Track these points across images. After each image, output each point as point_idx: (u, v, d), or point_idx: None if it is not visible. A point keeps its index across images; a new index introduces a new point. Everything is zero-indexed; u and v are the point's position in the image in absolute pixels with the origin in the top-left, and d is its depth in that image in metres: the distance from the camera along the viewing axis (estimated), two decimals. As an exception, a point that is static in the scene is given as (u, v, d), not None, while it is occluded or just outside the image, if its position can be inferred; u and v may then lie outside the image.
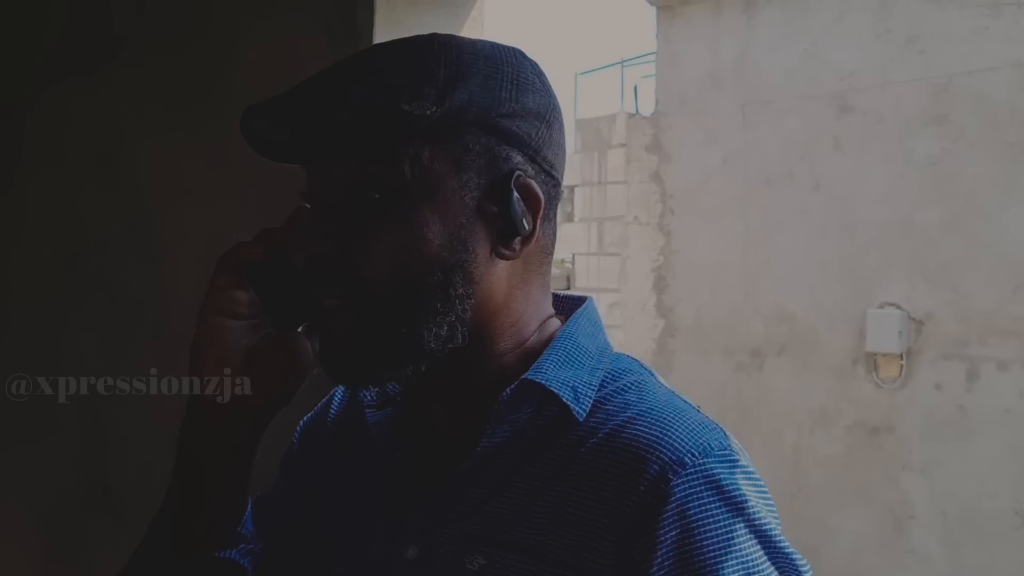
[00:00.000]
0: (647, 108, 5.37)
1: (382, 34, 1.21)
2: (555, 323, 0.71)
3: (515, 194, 0.64)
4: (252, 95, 1.39)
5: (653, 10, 5.21)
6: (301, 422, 0.84)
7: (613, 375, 0.67)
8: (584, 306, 0.72)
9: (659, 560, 0.58)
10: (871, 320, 4.15)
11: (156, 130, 1.57)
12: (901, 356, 4.10)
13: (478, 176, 0.63)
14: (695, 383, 4.77)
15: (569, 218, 6.38)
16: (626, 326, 5.32)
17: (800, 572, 0.61)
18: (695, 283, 4.94)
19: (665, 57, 5.19)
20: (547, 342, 0.69)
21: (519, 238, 0.65)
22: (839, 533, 4.14)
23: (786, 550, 0.61)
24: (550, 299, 0.72)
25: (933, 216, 3.96)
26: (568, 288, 6.40)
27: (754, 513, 0.60)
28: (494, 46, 0.67)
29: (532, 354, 0.68)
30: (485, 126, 0.63)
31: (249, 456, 0.73)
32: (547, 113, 0.67)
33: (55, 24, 1.86)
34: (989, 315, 3.84)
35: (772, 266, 4.55)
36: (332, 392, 0.83)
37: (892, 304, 4.12)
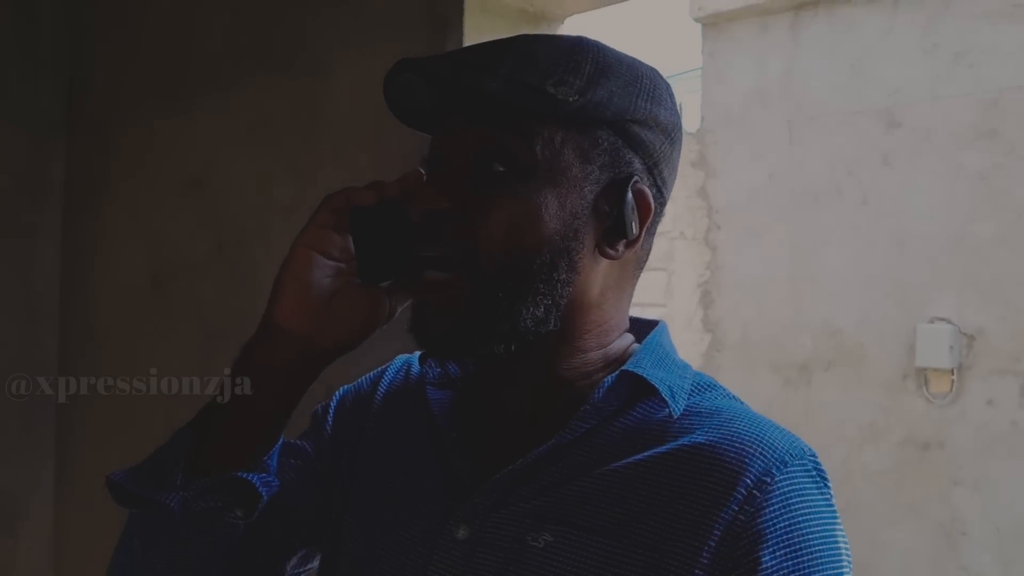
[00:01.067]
0: (692, 124, 5.41)
1: (471, 68, 1.28)
2: (630, 338, 0.74)
3: (630, 198, 0.67)
4: (343, 125, 1.48)
5: (698, 27, 5.25)
6: (341, 389, 0.86)
7: (699, 386, 0.71)
8: (660, 326, 0.75)
9: (769, 549, 0.60)
10: (921, 335, 4.13)
11: (245, 157, 1.65)
12: (952, 371, 4.08)
13: (600, 172, 0.67)
14: (742, 398, 4.78)
15: (614, 233, 6.41)
16: (672, 341, 5.34)
17: None
18: (741, 298, 4.94)
19: (710, 73, 5.22)
20: (625, 352, 0.72)
21: (624, 241, 0.68)
22: (890, 549, 4.12)
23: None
24: (628, 314, 0.75)
25: (984, 231, 3.95)
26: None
27: (833, 502, 0.65)
28: (635, 59, 0.71)
29: (613, 360, 0.71)
30: (617, 127, 0.67)
31: (299, 390, 0.75)
32: (673, 131, 0.71)
33: (143, 52, 1.95)
34: (1042, 330, 3.82)
35: (820, 281, 4.55)
36: (381, 371, 0.85)
37: (943, 319, 4.10)
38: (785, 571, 0.60)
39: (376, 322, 0.74)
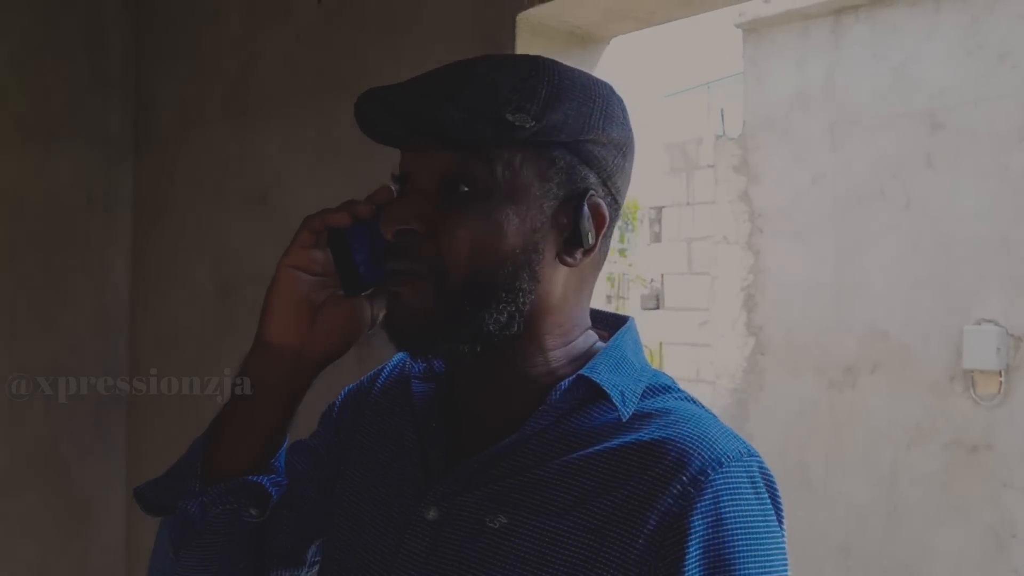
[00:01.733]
0: (734, 129, 5.43)
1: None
2: (594, 335, 0.79)
3: (586, 210, 0.72)
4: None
5: (739, 32, 5.28)
6: (345, 389, 0.92)
7: (654, 388, 0.75)
8: (627, 325, 0.80)
9: (695, 543, 0.64)
10: (968, 337, 4.12)
11: (309, 174, 1.74)
12: (999, 373, 4.05)
13: (557, 188, 0.72)
14: (786, 401, 4.80)
15: (657, 238, 6.45)
16: (716, 345, 5.36)
17: None
18: (785, 302, 4.95)
19: (752, 78, 5.24)
20: (589, 349, 0.77)
21: (581, 250, 0.73)
22: (939, 552, 4.11)
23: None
24: (588, 313, 0.79)
25: (1030, 231, 3.94)
26: (658, 307, 6.45)
27: (781, 517, 0.69)
28: (590, 78, 0.75)
29: (576, 357, 0.76)
30: (572, 146, 0.72)
31: (297, 396, 0.82)
32: (625, 146, 0.75)
33: (209, 75, 2.06)
34: (1091, 331, 3.79)
35: (864, 284, 4.55)
36: (380, 368, 0.91)
37: (989, 320, 4.08)
38: (707, 565, 0.64)
39: (360, 330, 0.80)
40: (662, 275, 6.20)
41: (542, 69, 0.72)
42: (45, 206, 2.25)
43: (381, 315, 0.80)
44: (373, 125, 0.76)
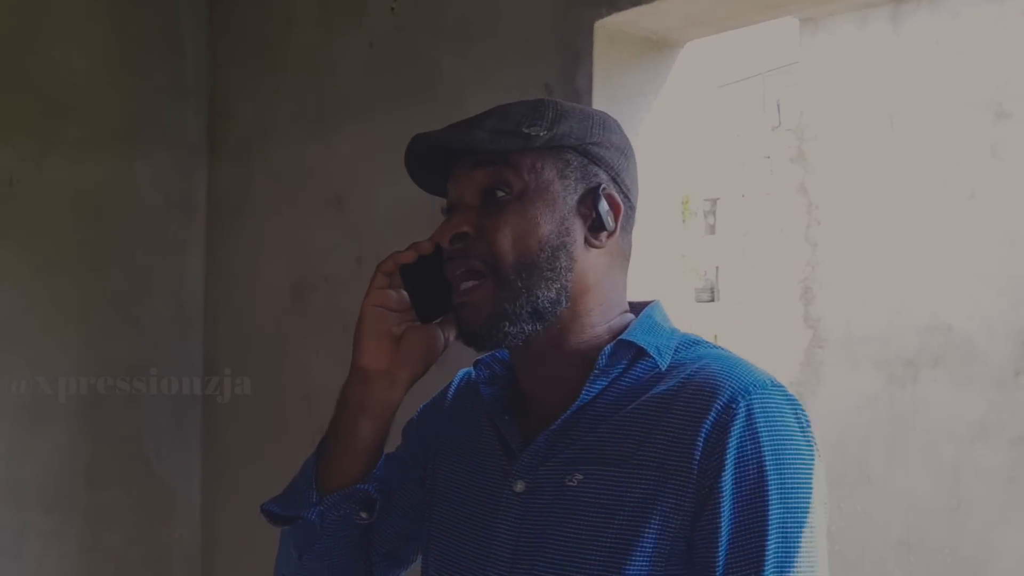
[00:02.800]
0: (790, 120, 5.39)
1: (600, 96, 1.38)
2: (630, 316, 0.92)
3: (602, 200, 0.87)
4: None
5: (795, 22, 5.22)
6: (421, 406, 1.07)
7: (685, 343, 0.89)
8: (654, 303, 0.93)
9: (726, 464, 0.77)
10: (1034, 330, 4.04)
11: (384, 178, 1.78)
12: (1067, 367, 3.96)
13: (575, 183, 0.87)
14: (845, 394, 4.74)
15: (711, 231, 6.42)
16: (772, 338, 5.33)
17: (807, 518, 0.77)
18: (843, 294, 4.88)
19: (808, 68, 5.18)
20: (626, 326, 0.89)
21: (605, 232, 0.88)
22: (1004, 550, 4.03)
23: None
24: (626, 297, 0.93)
25: (1099, 223, 3.84)
26: (712, 299, 6.44)
27: (806, 428, 0.80)
28: (587, 108, 0.94)
29: (616, 333, 0.89)
30: (580, 149, 0.88)
31: (390, 412, 0.95)
32: (625, 149, 0.92)
33: (285, 81, 2.10)
34: None
35: (925, 276, 4.47)
36: (447, 386, 1.06)
37: (1056, 313, 3.99)
38: (739, 476, 0.76)
39: (437, 352, 0.95)
40: (716, 267, 6.17)
41: (548, 101, 0.89)
42: (126, 209, 2.33)
43: (453, 338, 0.94)
44: (420, 174, 0.95)
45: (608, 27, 1.36)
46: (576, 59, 1.38)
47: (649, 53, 1.43)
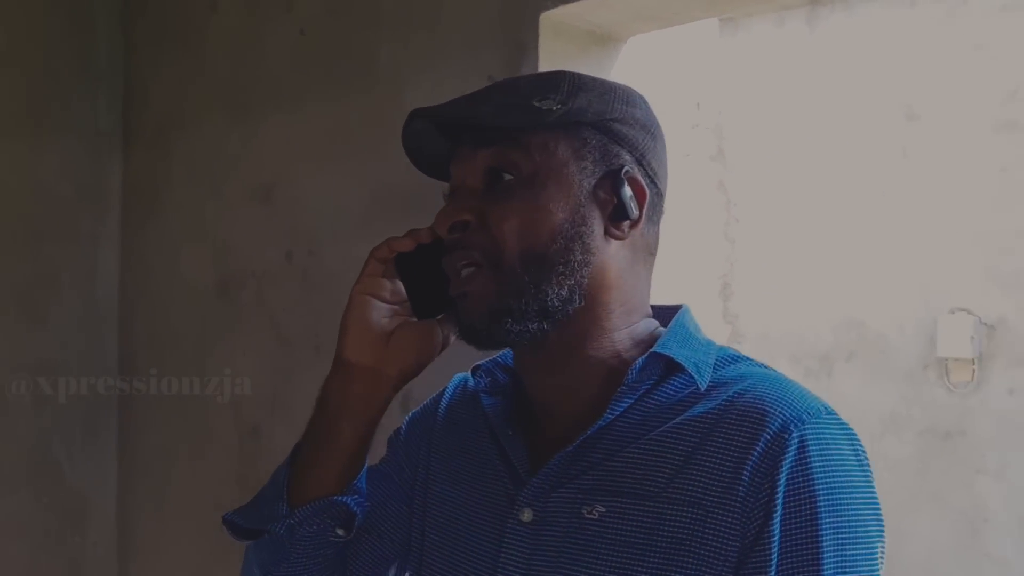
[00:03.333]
0: (709, 119, 5.46)
1: (547, 88, 1.34)
2: (655, 322, 0.82)
3: (625, 184, 0.76)
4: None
5: (715, 21, 5.29)
6: (409, 415, 0.96)
7: (724, 359, 0.78)
8: (682, 309, 0.83)
9: (782, 494, 0.67)
10: (942, 325, 4.19)
11: (316, 168, 1.72)
12: (973, 361, 4.13)
13: (593, 165, 0.76)
14: (763, 388, 4.85)
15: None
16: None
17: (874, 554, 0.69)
18: (761, 290, 5.00)
19: (728, 68, 5.27)
20: (652, 333, 0.80)
21: (628, 222, 0.77)
22: (913, 537, 4.19)
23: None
24: (649, 299, 0.83)
25: (1003, 222, 4.00)
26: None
27: (864, 462, 0.71)
28: (608, 80, 0.82)
29: (640, 340, 0.79)
30: (599, 126, 0.77)
31: (375, 415, 0.86)
32: (652, 127, 0.80)
33: (206, 65, 2.01)
34: (1062, 320, 3.87)
35: (840, 273, 4.61)
36: (440, 392, 0.95)
37: (963, 309, 4.15)
38: (793, 517, 0.67)
39: (433, 351, 0.85)
40: (638, 264, 6.21)
41: (562, 72, 0.79)
42: (32, 200, 2.20)
43: (453, 338, 0.85)
44: (419, 153, 0.84)
45: (553, 19, 1.33)
46: (521, 51, 1.34)
47: (594, 47, 1.41)
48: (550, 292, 0.74)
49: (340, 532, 0.86)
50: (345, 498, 0.85)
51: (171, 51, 2.10)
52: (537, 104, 0.74)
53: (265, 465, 1.87)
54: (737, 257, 5.12)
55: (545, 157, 0.75)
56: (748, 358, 0.79)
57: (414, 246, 0.82)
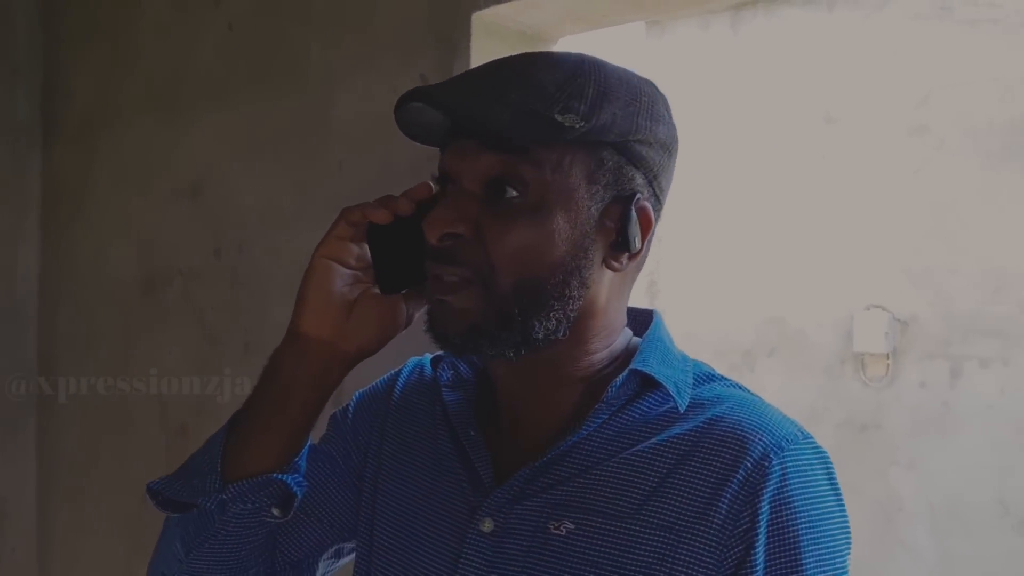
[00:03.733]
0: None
1: (478, 88, 1.36)
2: (629, 333, 0.78)
3: (633, 215, 0.70)
4: (347, 139, 1.55)
5: (642, 24, 5.37)
6: (357, 393, 0.89)
7: (701, 377, 0.76)
8: (657, 318, 0.80)
9: (759, 534, 0.65)
10: (858, 322, 4.32)
11: (245, 166, 1.70)
12: (887, 356, 4.26)
13: (604, 190, 0.70)
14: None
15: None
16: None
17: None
18: (687, 289, 5.10)
19: (654, 70, 5.35)
20: (627, 345, 0.77)
21: (627, 254, 0.72)
22: (832, 526, 4.32)
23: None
24: (626, 313, 0.79)
25: (916, 223, 4.15)
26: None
27: (838, 493, 0.70)
28: (634, 76, 0.74)
29: (617, 356, 0.75)
30: (620, 147, 0.70)
31: (326, 392, 0.80)
32: (671, 144, 0.74)
33: (131, 61, 1.98)
34: (971, 316, 4.02)
35: (762, 272, 4.72)
36: (395, 373, 0.89)
37: (877, 306, 4.29)
38: (775, 549, 0.66)
39: (395, 328, 0.79)
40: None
41: (587, 67, 0.71)
42: (-53, 196, 2.13)
43: (416, 315, 0.79)
44: (414, 126, 0.74)
45: (485, 20, 1.35)
46: (453, 51, 1.36)
47: (524, 47, 1.43)
48: (537, 325, 0.70)
49: (276, 512, 0.80)
50: (285, 476, 0.79)
51: (94, 45, 2.06)
52: (559, 118, 0.67)
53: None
54: (663, 256, 5.22)
55: (559, 178, 0.69)
56: (723, 377, 0.77)
57: (390, 220, 0.76)
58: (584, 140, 0.69)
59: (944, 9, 4.11)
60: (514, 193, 0.69)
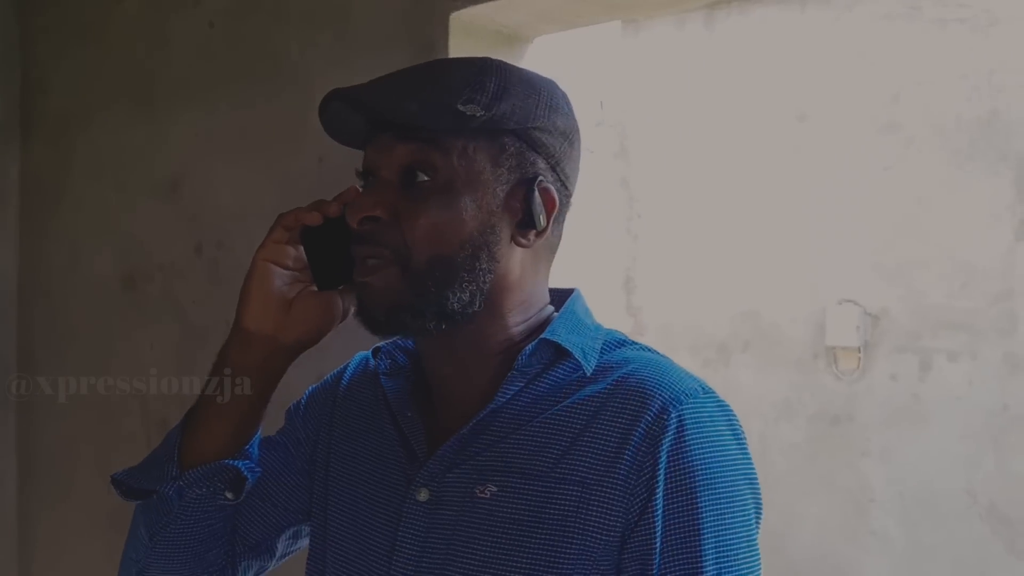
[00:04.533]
0: (613, 117, 5.57)
1: (456, 86, 1.39)
2: (550, 309, 0.84)
3: (536, 195, 0.78)
4: (327, 135, 1.56)
5: (618, 23, 5.41)
6: (310, 388, 0.98)
7: (611, 343, 0.82)
8: (575, 294, 0.86)
9: (659, 482, 0.71)
10: (830, 316, 4.37)
11: (225, 163, 1.72)
12: (859, 349, 4.32)
13: (508, 173, 0.77)
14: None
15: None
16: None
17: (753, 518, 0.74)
18: (662, 284, 5.14)
19: (630, 68, 5.39)
20: (546, 321, 0.83)
21: (534, 231, 0.79)
22: (804, 518, 4.37)
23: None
24: (547, 290, 0.85)
25: (887, 218, 4.21)
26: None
27: (742, 443, 0.75)
28: (534, 75, 0.82)
29: (535, 329, 0.81)
30: (520, 133, 0.78)
31: (271, 382, 0.88)
32: (571, 133, 0.81)
33: (111, 57, 1.99)
34: (940, 310, 4.09)
35: (736, 267, 4.77)
36: (342, 368, 0.96)
37: (849, 300, 4.34)
38: (673, 491, 0.71)
39: (332, 321, 0.86)
40: (544, 258, 6.27)
41: (490, 67, 0.78)
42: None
43: (352, 309, 0.85)
44: (338, 125, 0.81)
45: (463, 20, 1.38)
46: (430, 50, 1.38)
47: (501, 47, 1.46)
48: (451, 296, 0.76)
49: (229, 496, 0.87)
50: (236, 462, 0.87)
51: (73, 41, 2.06)
52: (461, 108, 0.74)
53: (174, 459, 1.86)
54: (639, 252, 5.25)
55: (464, 163, 0.76)
56: (634, 342, 0.83)
57: (321, 220, 0.83)
58: (486, 128, 0.76)
59: (913, 9, 4.17)
60: (425, 178, 0.76)
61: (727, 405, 0.76)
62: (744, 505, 0.73)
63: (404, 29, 1.42)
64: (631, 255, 5.27)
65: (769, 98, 4.60)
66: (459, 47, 1.37)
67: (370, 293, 0.78)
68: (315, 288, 0.86)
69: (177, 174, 1.82)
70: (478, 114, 0.75)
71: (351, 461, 0.88)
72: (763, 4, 4.67)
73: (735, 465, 0.74)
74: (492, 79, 0.77)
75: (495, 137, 0.77)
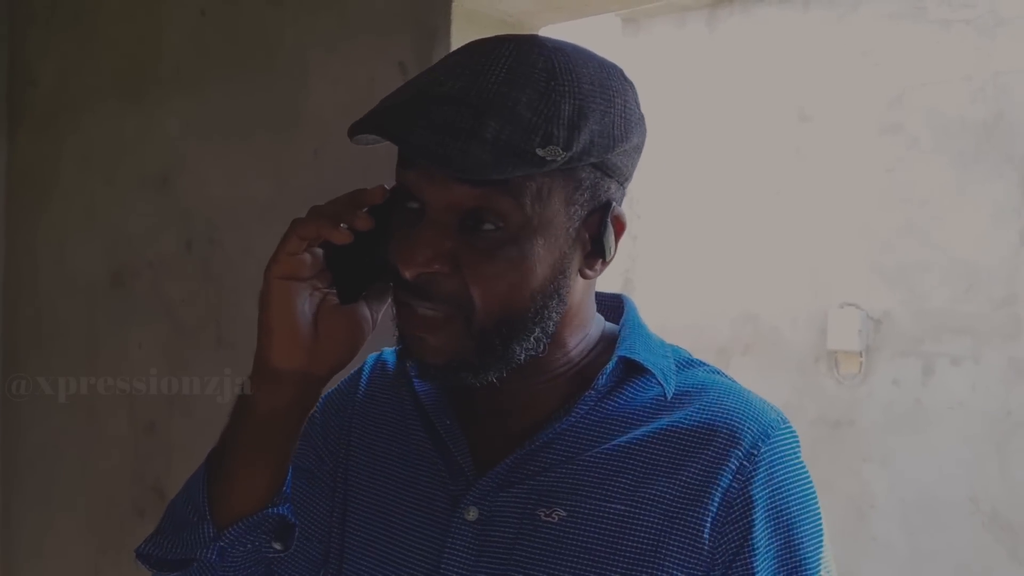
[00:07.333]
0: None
1: (457, 75, 1.33)
2: (602, 318, 0.78)
3: (609, 225, 0.69)
4: (323, 126, 1.52)
5: (618, 21, 5.37)
6: (323, 396, 0.84)
7: (681, 363, 0.76)
8: (629, 303, 0.80)
9: (756, 518, 0.68)
10: (832, 319, 4.34)
11: (216, 154, 1.66)
12: (860, 353, 4.28)
13: (582, 208, 0.68)
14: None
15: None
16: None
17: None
18: (662, 286, 5.10)
19: (630, 67, 5.34)
20: (602, 333, 0.77)
21: (601, 261, 0.71)
22: (805, 523, 4.34)
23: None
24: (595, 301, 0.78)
25: (888, 220, 4.17)
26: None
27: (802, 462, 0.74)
28: (602, 68, 0.69)
29: (593, 343, 0.76)
30: (598, 164, 0.68)
31: (302, 419, 0.77)
32: (642, 145, 0.72)
33: (100, 47, 1.93)
34: (942, 314, 4.05)
35: (737, 269, 4.73)
36: (358, 371, 0.87)
37: (851, 304, 4.31)
38: (772, 530, 0.69)
39: (363, 336, 0.76)
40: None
41: (560, 75, 0.66)
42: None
43: (380, 315, 0.77)
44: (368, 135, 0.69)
45: (466, 7, 1.33)
46: (432, 38, 1.33)
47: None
48: (518, 349, 0.69)
49: (278, 546, 0.78)
50: (279, 509, 0.77)
51: (61, 30, 2.01)
52: (540, 152, 0.63)
53: (162, 461, 1.80)
54: (639, 253, 5.21)
55: (539, 208, 0.66)
56: (701, 362, 0.78)
57: (351, 239, 0.71)
58: (564, 167, 0.66)
59: (918, 9, 4.13)
60: (492, 227, 0.66)
61: (796, 433, 0.75)
62: (823, 531, 0.72)
63: (404, 16, 1.37)
64: (630, 256, 5.23)
65: (771, 98, 4.57)
66: (461, 35, 1.32)
67: (425, 348, 0.69)
68: (337, 301, 0.75)
69: (167, 167, 1.76)
70: (559, 158, 0.64)
71: (374, 473, 0.80)
72: (765, 3, 4.62)
73: (814, 494, 0.73)
74: (566, 99, 0.65)
75: (573, 173, 0.67)
